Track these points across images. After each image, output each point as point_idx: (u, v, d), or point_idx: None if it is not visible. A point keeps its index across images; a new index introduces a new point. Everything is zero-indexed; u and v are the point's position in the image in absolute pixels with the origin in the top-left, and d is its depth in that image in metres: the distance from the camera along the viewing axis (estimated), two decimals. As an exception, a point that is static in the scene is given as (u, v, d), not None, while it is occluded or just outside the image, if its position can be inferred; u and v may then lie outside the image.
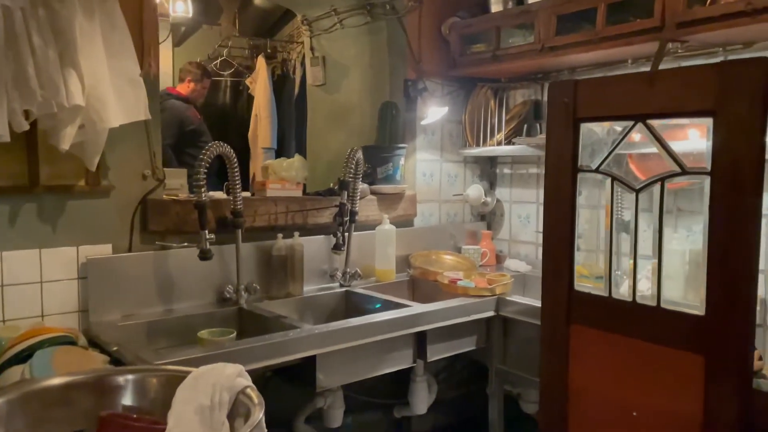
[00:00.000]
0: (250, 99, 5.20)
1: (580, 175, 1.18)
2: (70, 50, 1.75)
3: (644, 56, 2.46)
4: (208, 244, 2.05)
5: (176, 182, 2.33)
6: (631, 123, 1.26)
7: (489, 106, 2.96)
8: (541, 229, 3.03)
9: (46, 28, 1.73)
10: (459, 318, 2.28)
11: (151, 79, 2.13)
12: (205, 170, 2.02)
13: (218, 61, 5.27)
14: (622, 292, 2.51)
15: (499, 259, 3.12)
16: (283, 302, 2.37)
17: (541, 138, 2.65)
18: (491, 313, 2.39)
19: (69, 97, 1.75)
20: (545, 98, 2.93)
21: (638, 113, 1.20)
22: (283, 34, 5.45)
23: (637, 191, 1.45)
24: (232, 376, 1.18)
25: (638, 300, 1.33)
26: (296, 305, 2.40)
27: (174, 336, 2.12)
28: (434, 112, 2.79)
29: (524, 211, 3.07)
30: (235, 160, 2.17)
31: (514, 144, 2.80)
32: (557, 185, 1.22)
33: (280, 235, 2.38)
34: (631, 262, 1.55)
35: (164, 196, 2.21)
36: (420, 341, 2.22)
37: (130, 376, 1.14)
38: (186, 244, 2.14)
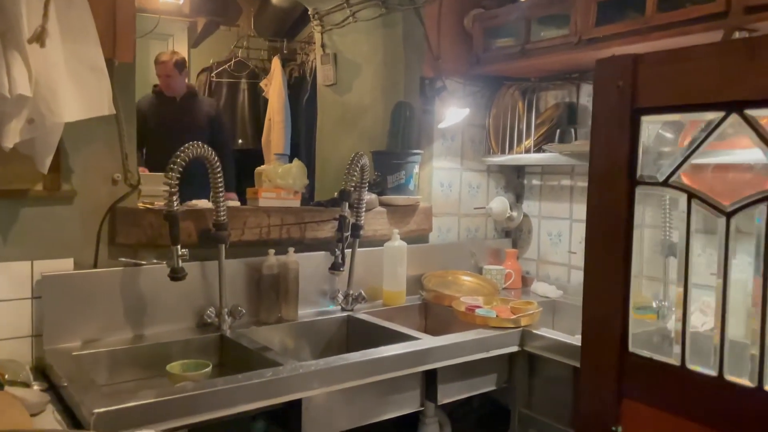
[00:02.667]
0: (266, 103, 4.95)
1: (639, 190, 0.84)
2: (14, 31, 1.47)
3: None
4: (180, 261, 1.75)
5: (154, 188, 2.05)
6: (720, 115, 0.88)
7: (516, 108, 2.62)
8: (574, 249, 2.71)
9: (-15, 3, 1.46)
10: (477, 354, 1.94)
11: (123, 70, 1.85)
12: (178, 175, 1.72)
13: (233, 62, 5.04)
14: (670, 327, 2.16)
15: (525, 281, 2.77)
16: (273, 329, 2.06)
17: (577, 145, 2.31)
18: (515, 348, 2.04)
19: (12, 86, 1.47)
20: (581, 101, 2.59)
21: (731, 100, 0.84)
22: (303, 35, 5.20)
23: (729, 215, 1.08)
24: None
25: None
26: (288, 332, 2.09)
27: (142, 367, 1.82)
28: (454, 114, 2.46)
29: (555, 228, 2.72)
30: (218, 163, 1.87)
31: (544, 152, 2.45)
32: (606, 202, 0.88)
33: (271, 251, 2.08)
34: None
35: (139, 204, 1.93)
36: (430, 380, 1.89)
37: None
38: (155, 261, 1.85)
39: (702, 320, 2.12)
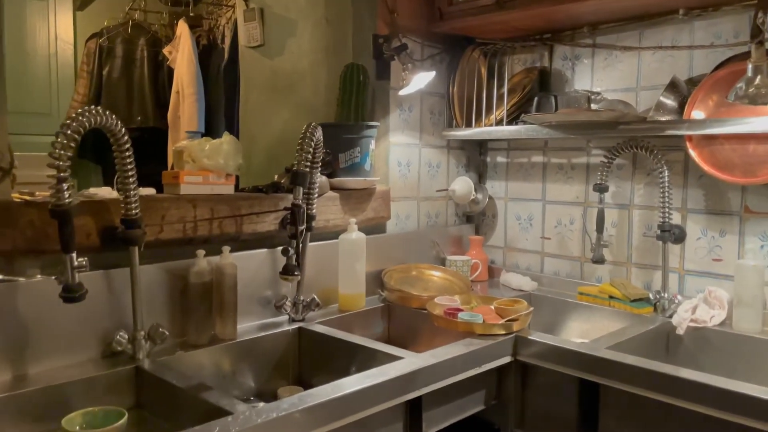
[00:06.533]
0: (171, 73, 4.33)
1: None
2: None
3: (711, 2, 1.83)
4: (77, 275, 1.25)
5: (37, 174, 1.52)
6: None
7: (482, 74, 2.26)
8: (548, 234, 2.41)
9: None
10: (468, 372, 1.58)
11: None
12: (69, 153, 1.21)
13: (129, 25, 4.37)
14: (675, 322, 1.89)
15: (492, 272, 2.45)
16: (206, 352, 1.59)
17: (564, 114, 1.98)
18: (507, 359, 1.70)
19: None
20: (555, 65, 2.26)
21: None
22: (211, -3, 4.60)
23: None
24: None
25: None
26: (226, 355, 1.63)
27: (28, 421, 1.31)
28: (418, 79, 2.06)
29: (525, 211, 2.40)
30: (126, 138, 1.38)
31: (522, 123, 2.11)
32: None
33: (200, 252, 1.61)
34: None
35: (13, 196, 1.40)
36: (413, 409, 1.51)
37: None
38: (39, 275, 1.34)
39: (710, 313, 1.86)
